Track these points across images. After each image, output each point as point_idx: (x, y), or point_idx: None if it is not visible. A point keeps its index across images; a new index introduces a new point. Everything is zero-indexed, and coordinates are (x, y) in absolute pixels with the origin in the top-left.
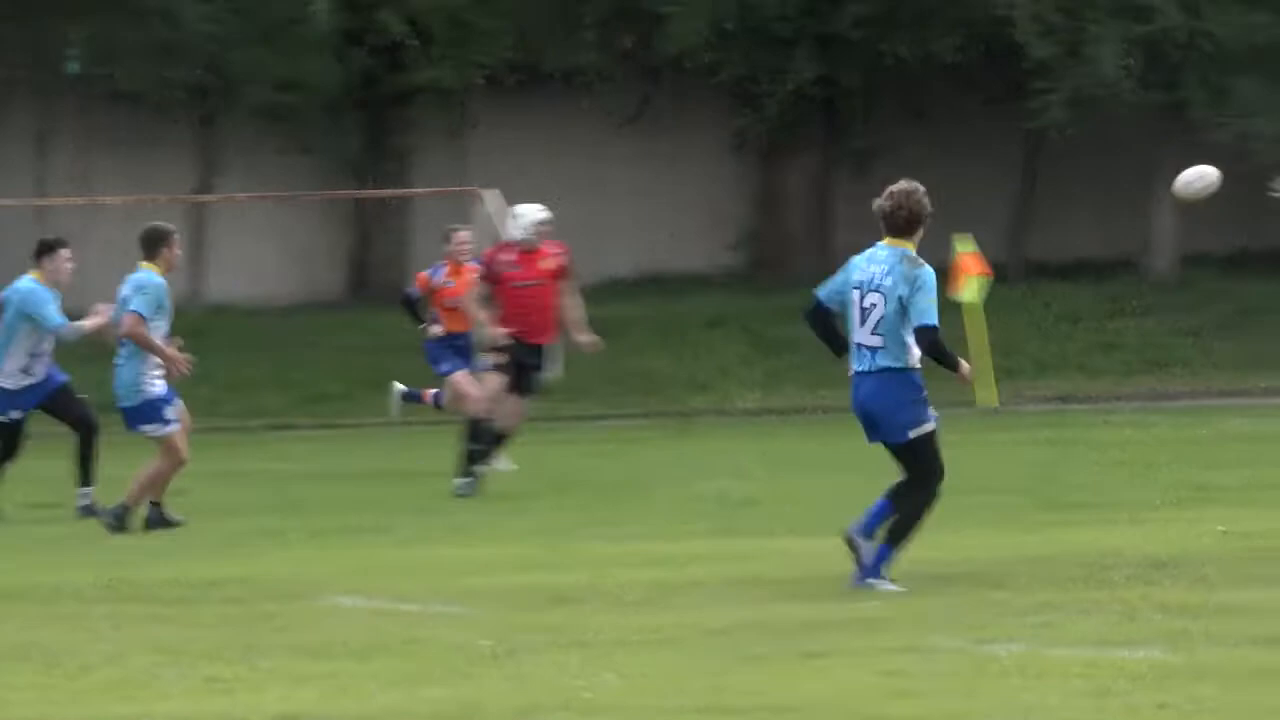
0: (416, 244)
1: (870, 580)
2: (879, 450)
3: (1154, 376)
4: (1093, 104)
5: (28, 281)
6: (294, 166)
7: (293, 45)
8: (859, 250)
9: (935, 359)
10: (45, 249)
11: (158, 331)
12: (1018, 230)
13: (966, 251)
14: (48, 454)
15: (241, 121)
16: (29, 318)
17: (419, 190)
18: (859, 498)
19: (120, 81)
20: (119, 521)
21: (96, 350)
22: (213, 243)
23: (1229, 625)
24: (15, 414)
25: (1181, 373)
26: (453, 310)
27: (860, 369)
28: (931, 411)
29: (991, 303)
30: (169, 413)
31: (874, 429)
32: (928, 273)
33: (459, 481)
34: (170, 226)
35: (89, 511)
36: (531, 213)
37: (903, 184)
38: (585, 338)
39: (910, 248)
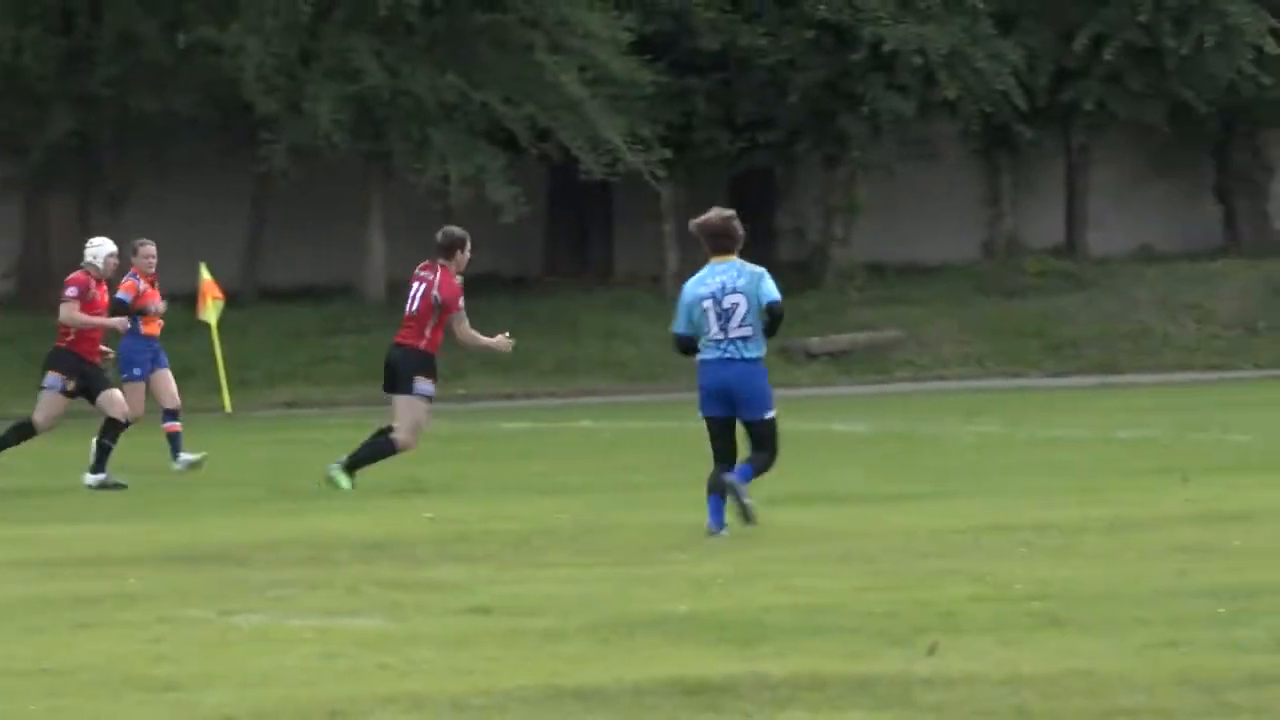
0: None
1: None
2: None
3: (368, 385)
4: (311, 152)
5: None
6: None
7: None
8: None
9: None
10: None
11: None
12: (250, 260)
13: (206, 279)
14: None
15: None
16: None
17: None
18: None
19: None
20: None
21: None
22: None
23: (437, 598)
24: None
25: None
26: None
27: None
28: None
29: (228, 322)
30: None
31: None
32: None
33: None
34: None
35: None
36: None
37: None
38: None
39: None
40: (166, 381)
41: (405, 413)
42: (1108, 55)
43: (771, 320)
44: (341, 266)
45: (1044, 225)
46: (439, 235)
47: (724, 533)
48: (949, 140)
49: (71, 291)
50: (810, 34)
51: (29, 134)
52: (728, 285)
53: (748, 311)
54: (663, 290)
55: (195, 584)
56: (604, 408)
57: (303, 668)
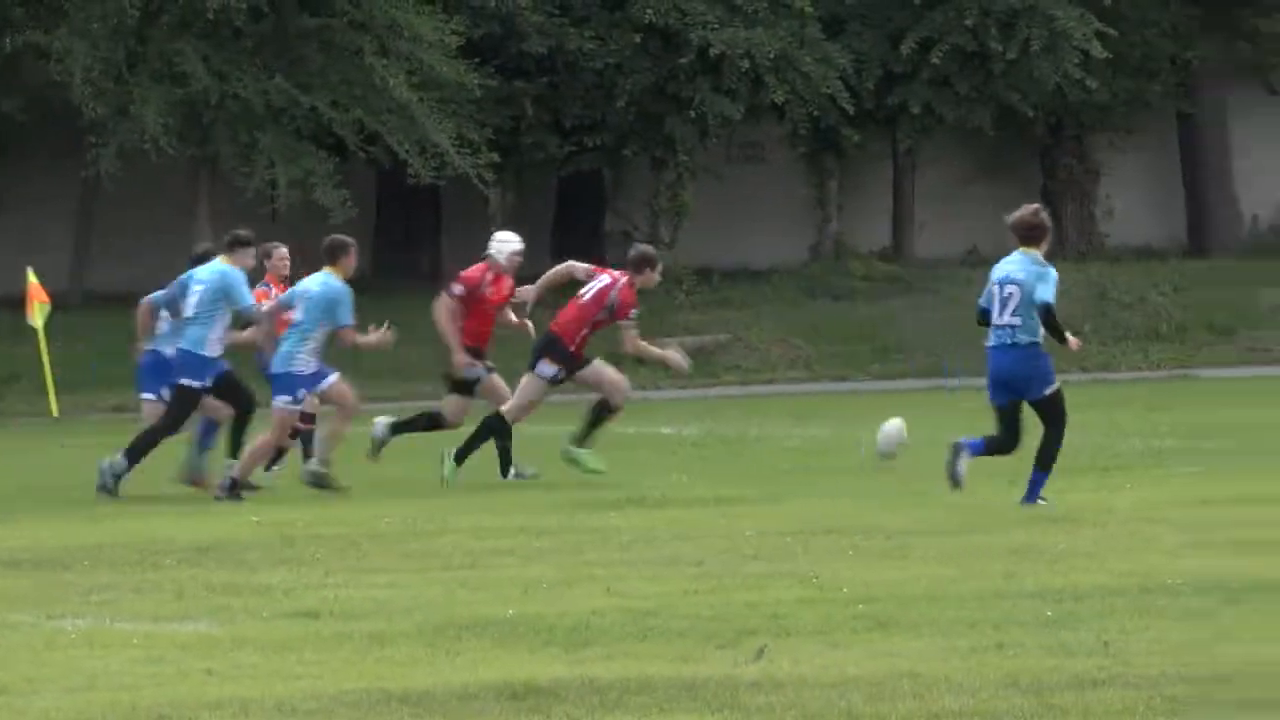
0: None
1: None
2: None
3: None
4: (139, 155)
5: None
6: None
7: None
8: None
9: None
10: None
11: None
12: (78, 264)
13: (33, 282)
14: None
15: None
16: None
17: None
18: None
19: None
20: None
21: None
22: None
23: (264, 602)
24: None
25: None
26: None
27: None
28: None
29: (55, 326)
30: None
31: None
32: None
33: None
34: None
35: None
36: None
37: None
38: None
39: None
40: None
41: (523, 389)
42: (935, 59)
43: (1042, 319)
44: (170, 270)
45: (871, 228)
46: (632, 250)
47: (1047, 504)
48: (776, 143)
49: (457, 288)
50: (638, 38)
51: None
52: (1011, 275)
53: (1020, 303)
54: None
55: (20, 589)
56: None
57: (128, 672)
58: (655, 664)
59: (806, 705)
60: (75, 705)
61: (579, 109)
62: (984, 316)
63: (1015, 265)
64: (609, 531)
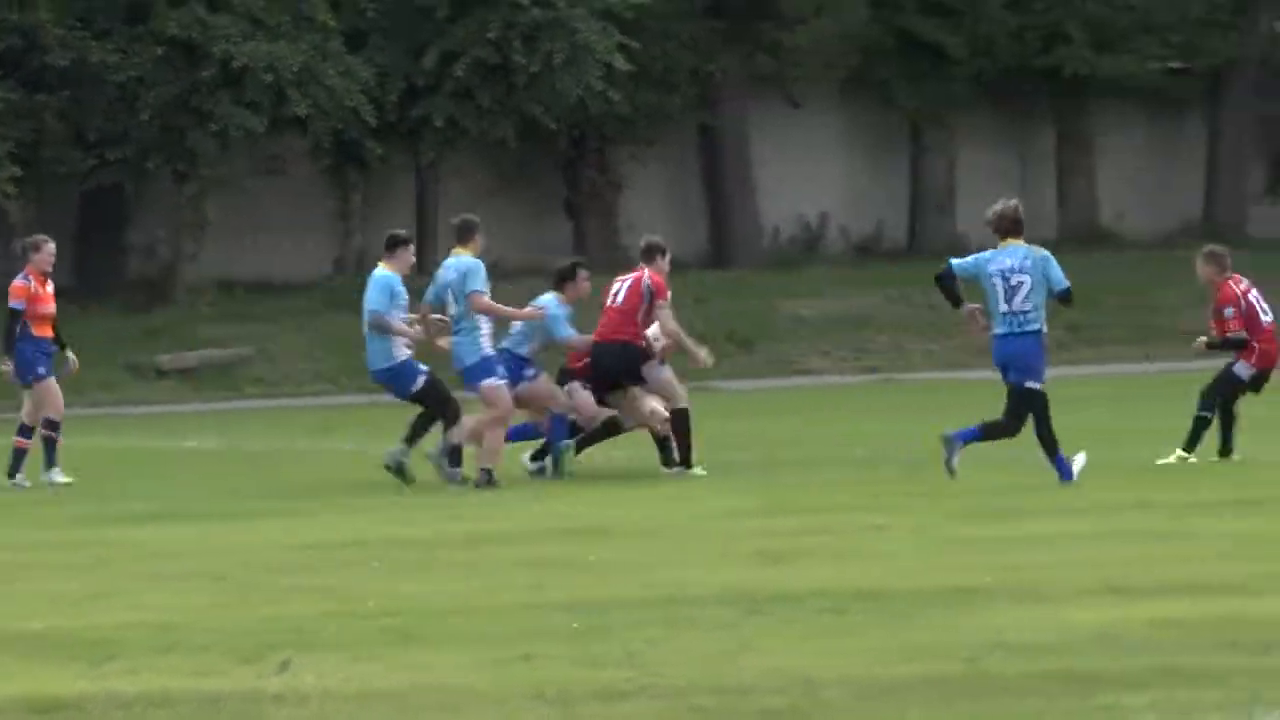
0: None
1: None
2: None
3: None
4: None
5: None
6: None
7: None
8: None
9: None
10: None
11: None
12: None
13: None
14: None
15: None
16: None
17: None
18: None
19: None
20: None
21: None
22: None
23: None
24: None
25: None
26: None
27: None
28: None
29: None
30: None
31: None
32: None
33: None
34: None
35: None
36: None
37: None
38: None
39: None
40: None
41: (656, 391)
42: (458, 72)
43: (1066, 301)
44: None
45: None
46: (641, 242)
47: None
48: (300, 156)
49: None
50: (160, 51)
51: None
52: (1015, 265)
53: (1031, 290)
54: None
55: None
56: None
57: None
58: (179, 678)
59: (331, 719)
60: None
61: (101, 122)
62: (949, 275)
63: (1015, 257)
64: (135, 545)
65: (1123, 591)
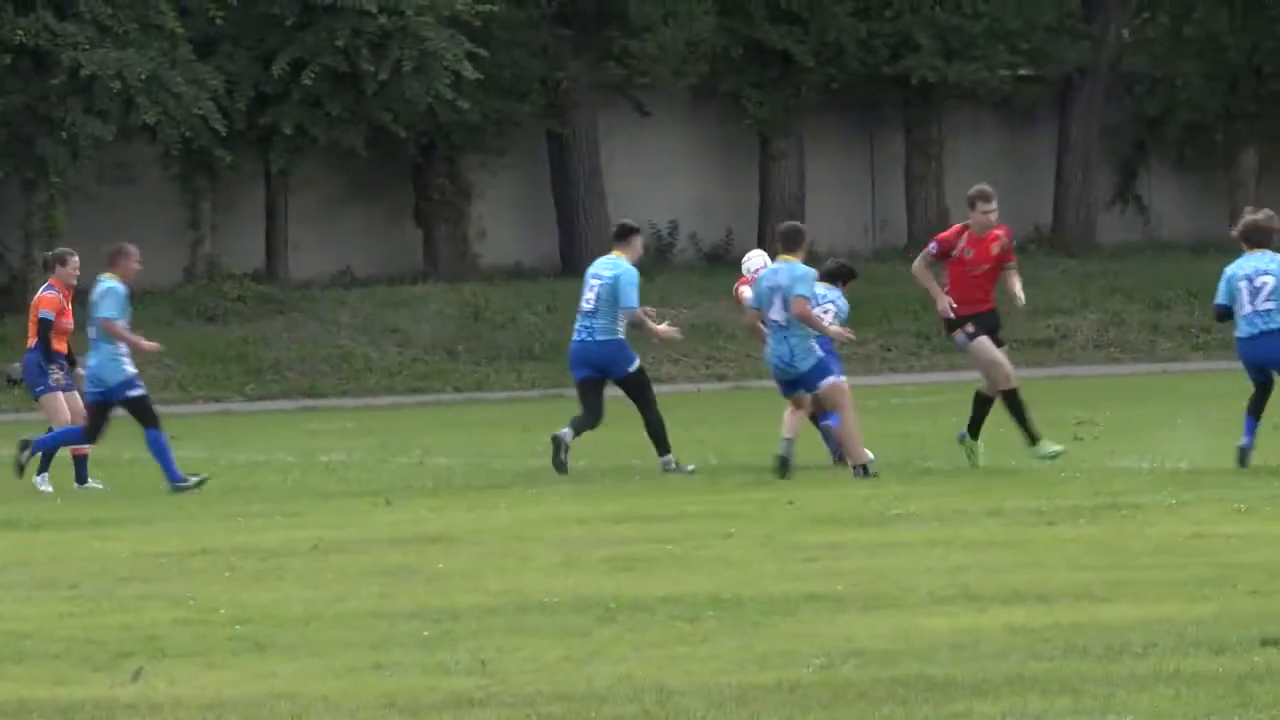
0: None
1: None
2: None
3: None
4: None
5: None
6: None
7: None
8: None
9: None
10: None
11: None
12: None
13: None
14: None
15: None
16: None
17: None
18: None
19: None
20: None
21: None
22: None
23: None
24: None
25: None
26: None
27: None
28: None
29: None
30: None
31: None
32: None
33: None
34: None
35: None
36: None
37: None
38: None
39: None
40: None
41: (976, 365)
42: (307, 80)
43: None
44: None
45: (245, 249)
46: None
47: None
48: (149, 164)
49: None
50: (8, 59)
51: None
52: (1262, 268)
53: (1274, 290)
54: None
55: None
56: None
57: None
58: (32, 687)
59: None
60: None
61: None
62: (1224, 313)
63: (1262, 261)
64: None
65: (976, 598)
